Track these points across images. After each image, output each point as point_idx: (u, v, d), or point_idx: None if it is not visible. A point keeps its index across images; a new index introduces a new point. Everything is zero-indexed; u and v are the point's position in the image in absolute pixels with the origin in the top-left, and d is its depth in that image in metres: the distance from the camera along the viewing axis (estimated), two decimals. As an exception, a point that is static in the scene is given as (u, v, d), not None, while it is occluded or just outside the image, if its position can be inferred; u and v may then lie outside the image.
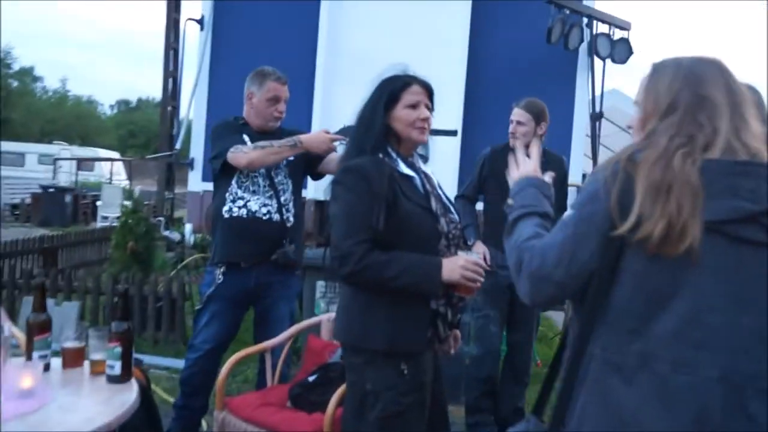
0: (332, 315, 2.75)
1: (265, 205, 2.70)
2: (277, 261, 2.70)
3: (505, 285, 3.01)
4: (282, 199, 2.73)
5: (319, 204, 5.15)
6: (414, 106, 1.83)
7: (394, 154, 1.83)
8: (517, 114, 3.35)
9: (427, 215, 1.79)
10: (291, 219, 2.75)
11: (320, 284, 4.06)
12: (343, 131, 2.54)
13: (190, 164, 5.82)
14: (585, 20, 5.23)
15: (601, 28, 5.40)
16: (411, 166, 1.86)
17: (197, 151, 5.74)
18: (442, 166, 4.08)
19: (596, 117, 5.12)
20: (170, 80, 8.53)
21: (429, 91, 1.89)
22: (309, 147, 2.64)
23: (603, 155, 5.21)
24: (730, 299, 1.13)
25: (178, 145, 7.36)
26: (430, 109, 1.88)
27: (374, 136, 1.80)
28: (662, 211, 1.10)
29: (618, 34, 5.53)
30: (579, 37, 5.20)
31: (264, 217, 2.68)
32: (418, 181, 1.84)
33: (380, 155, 1.80)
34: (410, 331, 1.75)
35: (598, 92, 5.40)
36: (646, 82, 1.28)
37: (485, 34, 5.23)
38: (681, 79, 1.21)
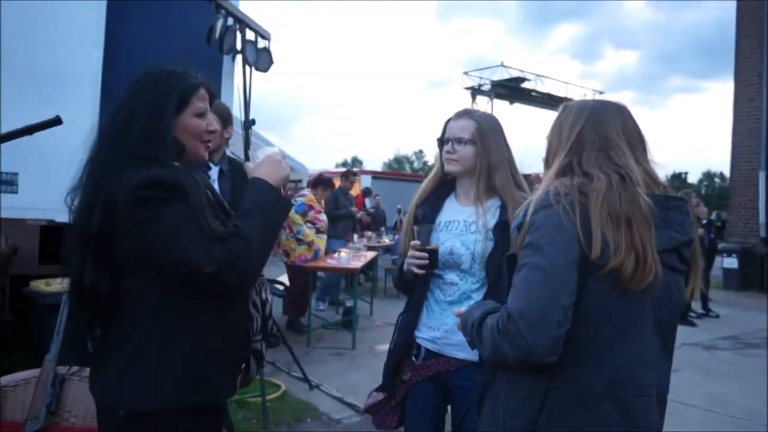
0: (15, 377, 2.05)
1: None
2: None
3: None
4: None
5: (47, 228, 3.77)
6: (201, 115, 1.51)
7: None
8: None
9: None
10: None
11: None
12: None
13: None
14: (237, 25, 5.13)
15: (248, 35, 5.37)
16: None
17: None
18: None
19: (249, 124, 5.06)
20: None
21: (212, 98, 1.58)
22: None
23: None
24: (662, 321, 1.25)
25: None
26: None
27: (162, 146, 1.40)
28: (628, 242, 1.15)
29: (261, 43, 5.59)
30: (233, 41, 5.08)
31: None
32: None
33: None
34: (226, 375, 1.46)
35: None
36: (554, 120, 1.36)
37: (128, 29, 4.60)
38: (584, 119, 1.31)
